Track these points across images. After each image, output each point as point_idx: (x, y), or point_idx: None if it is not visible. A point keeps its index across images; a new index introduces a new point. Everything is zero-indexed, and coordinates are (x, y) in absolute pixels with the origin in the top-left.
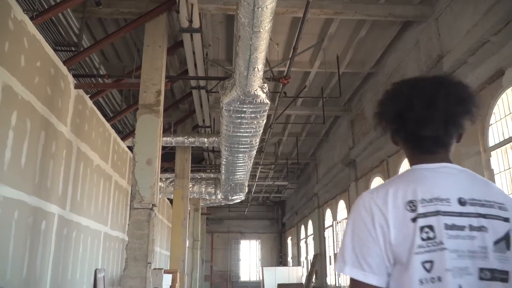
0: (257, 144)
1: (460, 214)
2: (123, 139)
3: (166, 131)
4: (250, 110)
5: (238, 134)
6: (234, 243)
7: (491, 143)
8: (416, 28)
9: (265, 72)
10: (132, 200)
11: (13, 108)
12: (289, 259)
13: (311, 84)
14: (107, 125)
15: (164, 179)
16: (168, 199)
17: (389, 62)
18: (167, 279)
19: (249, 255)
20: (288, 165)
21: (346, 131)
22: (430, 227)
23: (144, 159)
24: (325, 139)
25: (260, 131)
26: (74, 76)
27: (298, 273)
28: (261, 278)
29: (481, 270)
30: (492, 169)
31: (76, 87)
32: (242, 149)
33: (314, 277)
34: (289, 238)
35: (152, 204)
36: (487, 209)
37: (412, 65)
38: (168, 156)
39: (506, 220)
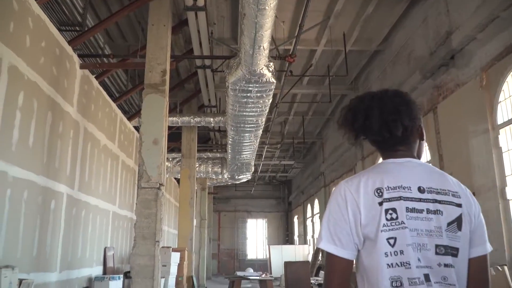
0: (263, 123)
1: (419, 200)
2: (129, 119)
3: (172, 111)
4: (256, 89)
5: (244, 113)
6: (241, 222)
7: (499, 120)
8: (424, 4)
9: (270, 50)
10: (139, 180)
11: (19, 88)
12: (296, 237)
13: (317, 63)
14: (113, 105)
15: (170, 159)
16: (175, 178)
17: (397, 40)
18: (175, 257)
19: (256, 233)
20: (294, 144)
21: None
22: (394, 210)
23: (151, 139)
24: (332, 118)
25: (266, 110)
26: (79, 56)
27: (305, 251)
28: (267, 256)
29: (437, 246)
30: (500, 147)
31: (82, 67)
32: (248, 129)
33: (320, 255)
34: (296, 217)
35: (160, 184)
36: (442, 196)
37: (420, 42)
38: (175, 136)
39: (458, 205)
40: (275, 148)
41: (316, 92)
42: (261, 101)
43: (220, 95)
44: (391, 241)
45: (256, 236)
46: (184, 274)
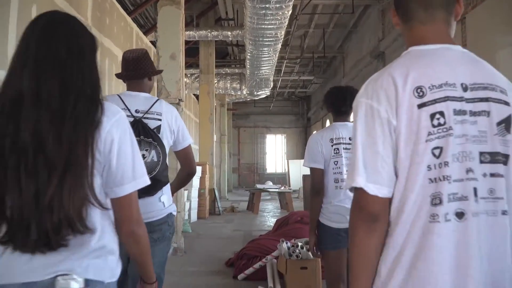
0: (282, 37)
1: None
2: (145, 33)
3: (189, 24)
4: None
5: (263, 26)
6: (260, 137)
7: None
8: None
9: None
10: (158, 96)
11: (32, 2)
12: None
13: None
14: (129, 19)
15: (189, 75)
16: (194, 95)
17: None
18: (197, 170)
19: (275, 149)
20: (314, 59)
21: (376, 22)
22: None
23: (168, 54)
24: (354, 30)
25: (285, 22)
26: None
27: None
28: (286, 170)
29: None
30: None
31: None
32: (266, 43)
33: None
34: (314, 133)
35: (179, 99)
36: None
37: None
38: (192, 51)
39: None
40: (294, 63)
41: (338, 2)
42: (280, 13)
43: (237, 7)
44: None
45: (275, 151)
46: (206, 186)
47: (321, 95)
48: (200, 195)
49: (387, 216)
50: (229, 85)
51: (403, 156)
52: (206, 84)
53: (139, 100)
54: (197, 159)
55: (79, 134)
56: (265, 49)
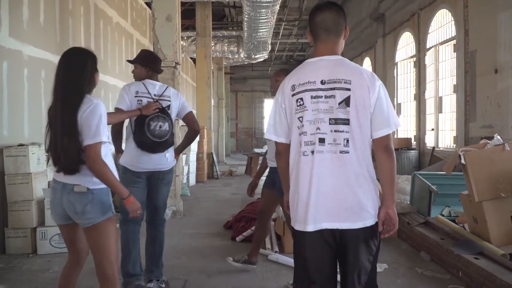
0: None
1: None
2: None
3: None
4: None
5: None
6: (258, 101)
7: None
8: None
9: None
10: None
11: None
12: None
13: None
14: None
15: (185, 38)
16: (191, 58)
17: None
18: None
19: None
20: None
21: None
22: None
23: (164, 15)
24: None
25: None
26: None
27: None
28: None
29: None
30: None
31: None
32: (264, 4)
33: None
34: None
35: (176, 62)
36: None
37: None
38: (188, 13)
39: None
40: (293, 26)
41: None
42: None
43: None
44: (300, 119)
45: None
46: (204, 150)
47: None
48: (199, 159)
49: (288, 152)
50: (226, 48)
51: (288, 122)
52: (203, 47)
53: (156, 87)
54: None
55: (70, 116)
56: (263, 10)
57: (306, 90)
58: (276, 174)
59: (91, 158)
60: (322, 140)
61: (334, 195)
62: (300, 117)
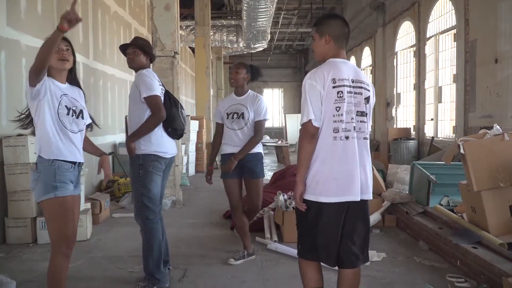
0: None
1: (352, 86)
2: None
3: None
4: None
5: None
6: (257, 91)
7: None
8: None
9: None
10: (153, 48)
11: None
12: None
13: None
14: None
15: (184, 27)
16: (190, 48)
17: None
18: (194, 124)
19: (272, 103)
20: (313, 10)
21: None
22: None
23: (162, 4)
24: None
25: None
26: None
27: None
28: (283, 124)
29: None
30: None
31: None
32: None
33: None
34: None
35: (174, 52)
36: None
37: None
38: (187, 2)
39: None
40: (292, 15)
41: None
42: None
43: None
44: (337, 108)
45: (272, 105)
46: (203, 140)
47: None
48: (198, 149)
49: (317, 136)
50: (225, 38)
51: (324, 109)
52: (202, 36)
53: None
54: (193, 113)
55: None
56: None
57: (344, 85)
58: (242, 161)
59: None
60: (354, 128)
61: (365, 173)
62: (338, 106)
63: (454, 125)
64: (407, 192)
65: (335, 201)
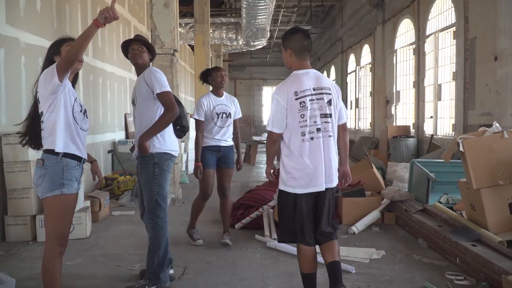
0: None
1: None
2: None
3: None
4: None
5: None
6: (256, 89)
7: None
8: None
9: None
10: (153, 44)
11: None
12: None
13: None
14: None
15: (183, 25)
16: (189, 45)
17: None
18: (193, 122)
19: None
20: (312, 7)
21: None
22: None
23: (162, 2)
24: None
25: None
26: None
27: None
28: None
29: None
30: None
31: None
32: None
33: None
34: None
35: (173, 49)
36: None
37: None
38: None
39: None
40: (292, 12)
41: None
42: None
43: None
44: (302, 116)
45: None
46: None
47: (318, 45)
48: None
49: (280, 140)
50: (224, 35)
51: (291, 118)
52: (201, 34)
53: None
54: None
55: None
56: None
57: (306, 95)
58: (221, 153)
59: None
60: (319, 129)
61: (330, 165)
62: (302, 114)
63: (454, 123)
64: (407, 190)
65: (306, 192)
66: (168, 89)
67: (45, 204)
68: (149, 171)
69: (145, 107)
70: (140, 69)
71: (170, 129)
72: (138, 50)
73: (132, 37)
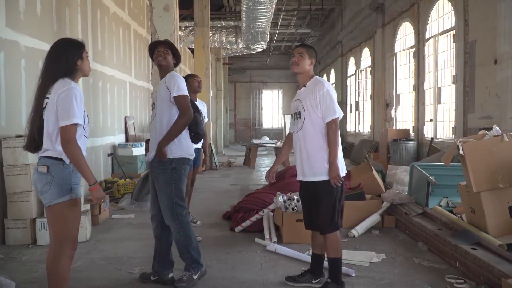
0: None
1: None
2: None
3: None
4: None
5: None
6: (256, 92)
7: None
8: None
9: None
10: None
11: None
12: None
13: None
14: None
15: (183, 28)
16: (189, 49)
17: None
18: None
19: (271, 104)
20: (312, 11)
21: None
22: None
23: (162, 5)
24: None
25: None
26: None
27: None
28: (283, 125)
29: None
30: None
31: None
32: None
33: None
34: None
35: None
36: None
37: None
38: (186, 2)
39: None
40: (292, 16)
41: None
42: None
43: None
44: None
45: (271, 106)
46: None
47: (318, 49)
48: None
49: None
50: (224, 39)
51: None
52: (201, 37)
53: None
54: None
55: (39, 99)
56: (261, 0)
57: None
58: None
59: (65, 139)
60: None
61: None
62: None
63: (454, 126)
64: (407, 193)
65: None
66: (185, 93)
67: (54, 211)
68: (167, 176)
69: (166, 111)
70: (163, 72)
71: (186, 133)
72: (163, 52)
73: (132, 39)
